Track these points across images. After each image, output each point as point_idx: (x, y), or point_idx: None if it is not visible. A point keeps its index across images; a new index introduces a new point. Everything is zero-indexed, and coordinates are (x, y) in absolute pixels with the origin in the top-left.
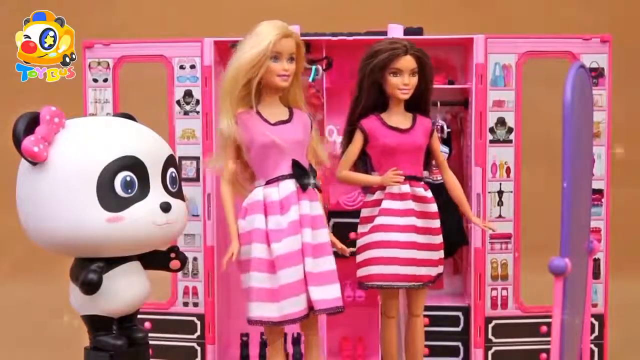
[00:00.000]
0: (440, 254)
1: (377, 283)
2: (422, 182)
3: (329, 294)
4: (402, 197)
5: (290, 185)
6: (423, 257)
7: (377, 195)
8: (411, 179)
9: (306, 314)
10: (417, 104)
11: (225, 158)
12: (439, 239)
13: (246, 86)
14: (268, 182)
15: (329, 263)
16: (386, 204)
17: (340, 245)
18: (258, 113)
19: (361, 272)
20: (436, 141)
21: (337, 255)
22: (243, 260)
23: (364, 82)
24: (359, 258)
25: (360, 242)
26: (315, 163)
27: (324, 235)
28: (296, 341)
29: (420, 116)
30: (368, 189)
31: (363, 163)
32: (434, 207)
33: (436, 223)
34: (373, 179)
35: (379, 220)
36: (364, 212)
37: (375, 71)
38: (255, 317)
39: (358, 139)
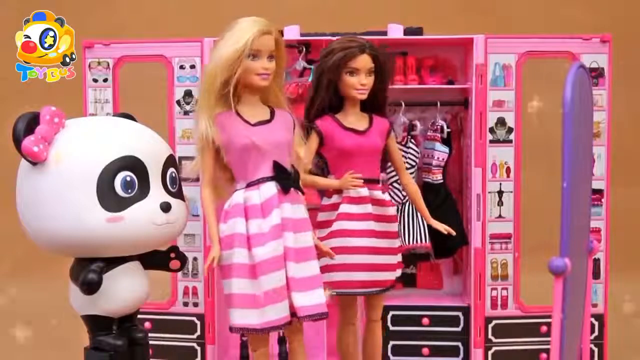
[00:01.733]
0: (399, 257)
1: (339, 290)
2: (380, 185)
3: (312, 299)
4: (360, 200)
5: (271, 188)
6: (382, 261)
7: (335, 198)
8: (369, 181)
9: (289, 321)
10: (373, 104)
11: (203, 160)
12: (397, 242)
13: (224, 86)
14: (249, 185)
15: (312, 268)
16: (344, 207)
17: (325, 248)
18: (238, 114)
19: (323, 278)
20: (393, 143)
21: None
22: (224, 265)
23: (322, 80)
24: (319, 264)
25: None
26: (297, 164)
27: (307, 239)
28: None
29: (376, 117)
30: (324, 192)
31: (316, 165)
32: (392, 210)
33: (394, 227)
34: (331, 182)
35: (338, 225)
36: (321, 216)
37: (331, 70)
38: (237, 324)
39: (313, 140)
